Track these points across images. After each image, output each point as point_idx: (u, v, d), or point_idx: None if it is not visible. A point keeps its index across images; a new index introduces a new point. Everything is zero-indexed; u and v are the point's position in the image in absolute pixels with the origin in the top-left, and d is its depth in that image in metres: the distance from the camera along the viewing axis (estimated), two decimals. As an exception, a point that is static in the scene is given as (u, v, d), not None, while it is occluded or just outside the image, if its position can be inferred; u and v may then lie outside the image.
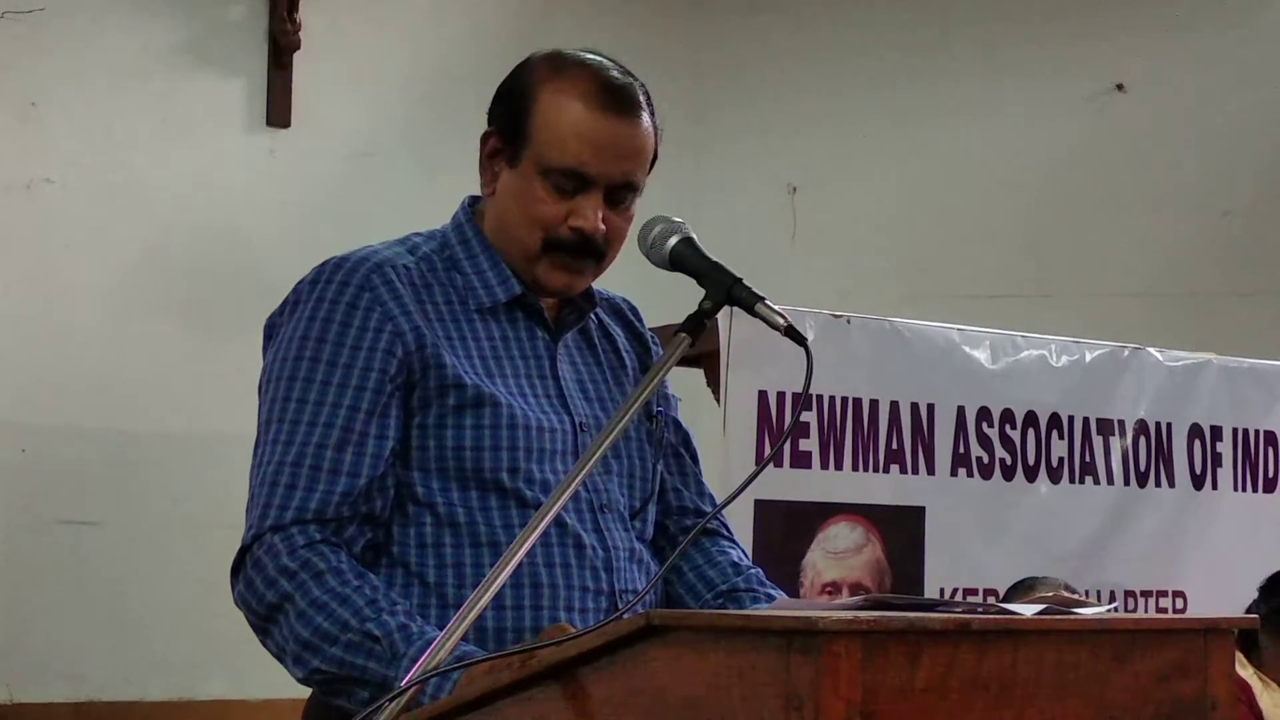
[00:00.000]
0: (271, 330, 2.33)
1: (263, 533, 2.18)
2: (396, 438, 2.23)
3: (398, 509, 2.25)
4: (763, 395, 3.85)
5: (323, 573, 2.15)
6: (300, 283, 2.31)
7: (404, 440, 2.24)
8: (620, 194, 2.30)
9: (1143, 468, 4.54)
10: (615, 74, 2.30)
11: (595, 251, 2.30)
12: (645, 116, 2.30)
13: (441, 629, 2.01)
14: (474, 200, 2.41)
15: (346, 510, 2.20)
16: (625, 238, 2.32)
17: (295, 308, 2.28)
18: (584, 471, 2.00)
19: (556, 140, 2.26)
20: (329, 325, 2.25)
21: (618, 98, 2.28)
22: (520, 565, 2.18)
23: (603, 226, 2.28)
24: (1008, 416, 4.30)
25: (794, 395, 3.84)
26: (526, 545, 1.96)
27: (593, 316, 2.44)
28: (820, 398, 3.97)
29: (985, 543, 4.24)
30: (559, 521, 2.24)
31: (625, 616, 1.85)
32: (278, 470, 2.20)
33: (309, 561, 2.15)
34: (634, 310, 2.53)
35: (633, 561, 2.33)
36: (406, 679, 1.93)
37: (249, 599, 2.19)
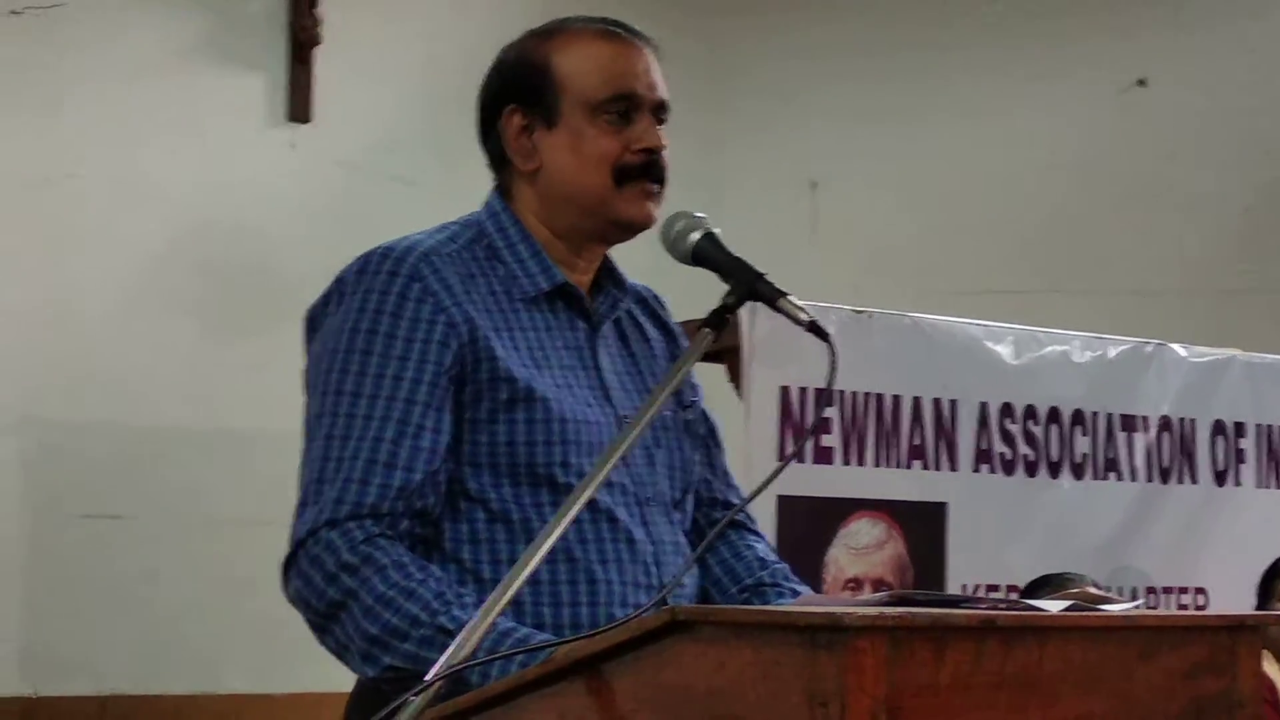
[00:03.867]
0: (314, 322, 2.28)
1: (318, 527, 2.14)
2: (451, 432, 2.20)
3: (449, 504, 2.22)
4: (784, 391, 3.84)
5: (385, 567, 2.11)
6: (345, 272, 2.27)
7: (456, 434, 2.21)
8: (659, 114, 2.33)
9: (1166, 464, 4.53)
10: (604, 19, 2.37)
11: (661, 176, 2.32)
12: (647, 44, 2.36)
13: (500, 621, 1.98)
14: (499, 191, 2.39)
15: (401, 505, 2.16)
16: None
17: (342, 299, 2.24)
18: (615, 459, 1.98)
19: (594, 77, 2.30)
20: (380, 316, 2.21)
21: (624, 29, 2.35)
22: (575, 562, 2.19)
23: (665, 144, 2.31)
24: (1030, 412, 4.29)
25: (815, 391, 3.84)
26: (560, 528, 1.93)
27: (622, 306, 2.42)
28: (842, 393, 3.96)
29: (1008, 539, 4.23)
30: (610, 516, 2.23)
31: (670, 603, 1.84)
32: (333, 464, 2.16)
33: (370, 556, 2.12)
34: (657, 299, 2.52)
35: (678, 554, 2.31)
36: (440, 663, 1.86)
37: (307, 596, 2.15)
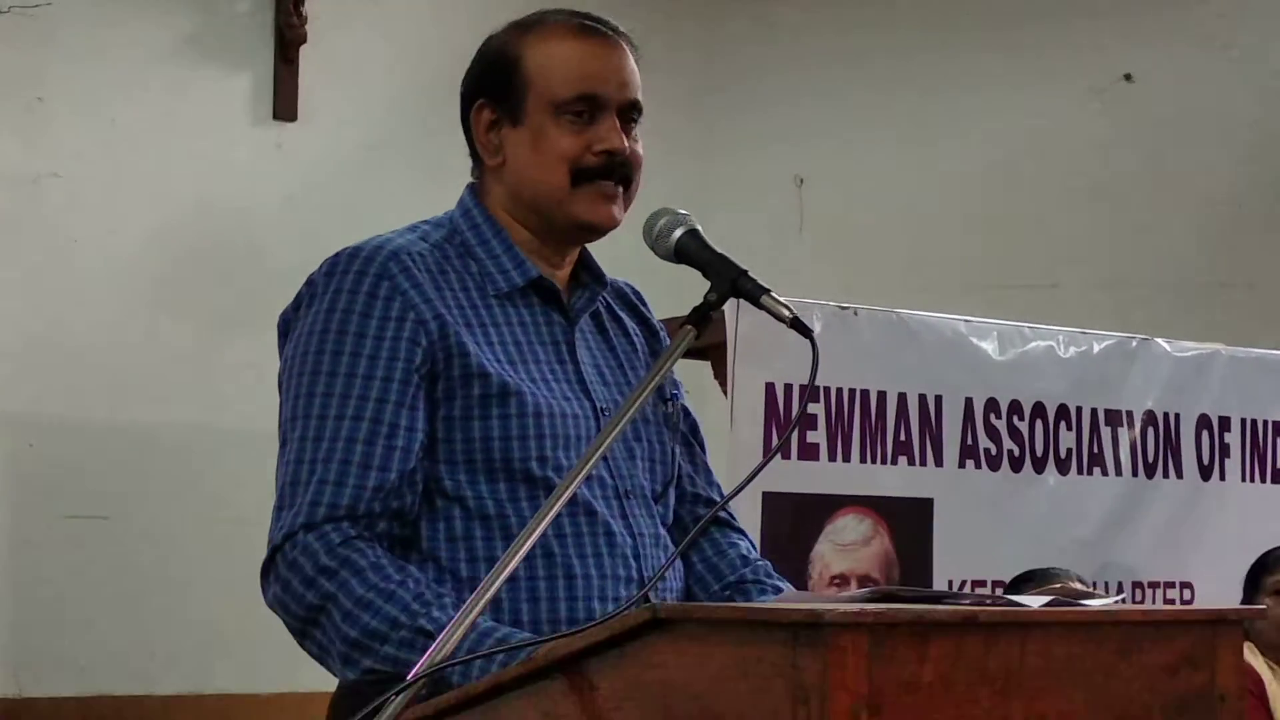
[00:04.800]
0: (286, 326, 2.27)
1: (295, 531, 2.13)
2: (425, 430, 2.19)
3: (425, 503, 2.20)
4: (769, 387, 3.84)
5: (364, 569, 2.10)
6: (314, 275, 2.26)
7: (430, 432, 2.20)
8: (629, 114, 2.30)
9: (1151, 459, 4.53)
10: (583, 14, 2.34)
11: (624, 176, 2.29)
12: (625, 41, 2.33)
13: (481, 621, 1.99)
14: (474, 187, 2.38)
15: (378, 505, 2.15)
16: (642, 167, 2.31)
17: (312, 301, 2.23)
18: (596, 456, 1.98)
19: (560, 75, 2.27)
20: (349, 316, 2.19)
21: (599, 25, 2.32)
22: (553, 556, 2.18)
23: (627, 147, 2.28)
24: (1016, 408, 4.29)
25: (801, 387, 3.84)
26: (543, 525, 1.93)
27: (600, 300, 2.41)
28: (828, 389, 3.96)
29: (993, 534, 4.24)
30: (588, 510, 2.23)
31: (654, 600, 1.84)
32: (307, 467, 2.15)
33: (348, 559, 2.11)
34: (638, 295, 2.51)
35: (659, 548, 2.31)
36: (421, 663, 1.87)
37: (286, 600, 2.14)
